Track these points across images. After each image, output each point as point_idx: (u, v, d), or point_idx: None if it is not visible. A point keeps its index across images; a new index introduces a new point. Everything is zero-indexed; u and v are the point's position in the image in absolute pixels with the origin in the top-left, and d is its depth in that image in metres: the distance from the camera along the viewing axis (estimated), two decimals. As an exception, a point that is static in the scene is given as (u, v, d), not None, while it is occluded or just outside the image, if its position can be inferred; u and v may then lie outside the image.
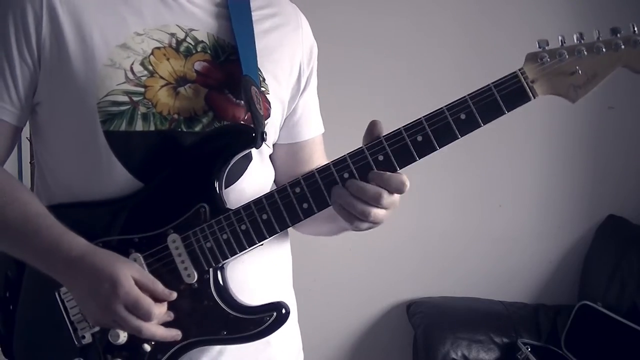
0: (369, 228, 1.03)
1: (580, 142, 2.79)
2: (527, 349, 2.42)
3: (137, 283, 0.94)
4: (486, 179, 2.80)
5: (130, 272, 0.94)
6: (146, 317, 0.93)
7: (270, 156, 1.18)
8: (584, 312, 2.52)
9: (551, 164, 2.80)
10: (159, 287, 0.96)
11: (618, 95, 2.63)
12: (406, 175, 0.99)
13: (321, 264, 2.63)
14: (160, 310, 0.95)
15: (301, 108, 1.21)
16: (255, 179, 1.09)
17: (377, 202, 0.97)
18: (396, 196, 0.99)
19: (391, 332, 2.83)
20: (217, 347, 1.06)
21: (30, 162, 2.47)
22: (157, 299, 0.96)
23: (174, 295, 0.98)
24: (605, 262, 2.62)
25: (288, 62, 1.16)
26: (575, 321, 2.53)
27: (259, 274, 1.11)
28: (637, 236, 2.59)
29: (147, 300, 0.94)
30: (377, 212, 0.98)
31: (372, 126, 1.00)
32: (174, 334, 0.98)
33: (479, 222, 2.82)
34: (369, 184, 0.98)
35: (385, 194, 0.97)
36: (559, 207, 2.82)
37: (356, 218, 0.99)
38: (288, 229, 1.19)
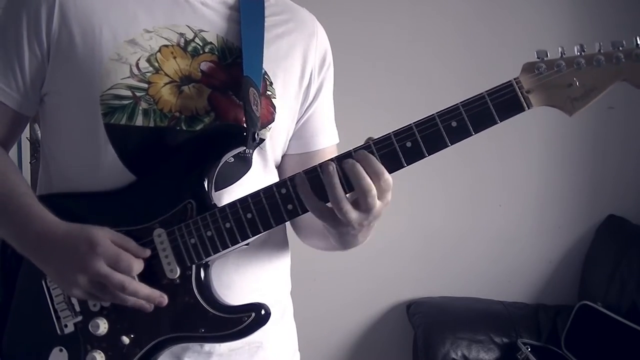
0: (354, 237, 1.01)
1: (580, 142, 2.79)
2: (527, 349, 2.42)
3: (112, 242, 0.96)
4: (486, 179, 2.80)
5: (104, 233, 0.96)
6: (128, 269, 0.95)
7: (281, 165, 1.18)
8: (584, 312, 2.52)
9: (551, 164, 2.80)
10: (132, 244, 0.98)
11: (618, 95, 2.59)
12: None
13: (321, 264, 2.63)
14: (138, 267, 0.97)
15: (312, 117, 1.19)
16: (256, 186, 1.07)
17: (374, 185, 0.91)
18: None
19: (391, 332, 2.84)
20: (206, 349, 1.07)
21: (30, 162, 2.46)
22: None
23: (148, 252, 0.99)
24: (605, 262, 2.62)
25: (299, 68, 1.15)
26: (575, 321, 2.54)
27: (252, 274, 1.11)
28: (637, 236, 2.59)
29: (127, 254, 0.96)
30: (372, 202, 0.92)
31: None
32: (158, 294, 0.98)
33: (479, 222, 2.82)
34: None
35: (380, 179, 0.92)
36: (559, 207, 2.82)
37: (340, 223, 0.95)
38: (287, 230, 1.20)
